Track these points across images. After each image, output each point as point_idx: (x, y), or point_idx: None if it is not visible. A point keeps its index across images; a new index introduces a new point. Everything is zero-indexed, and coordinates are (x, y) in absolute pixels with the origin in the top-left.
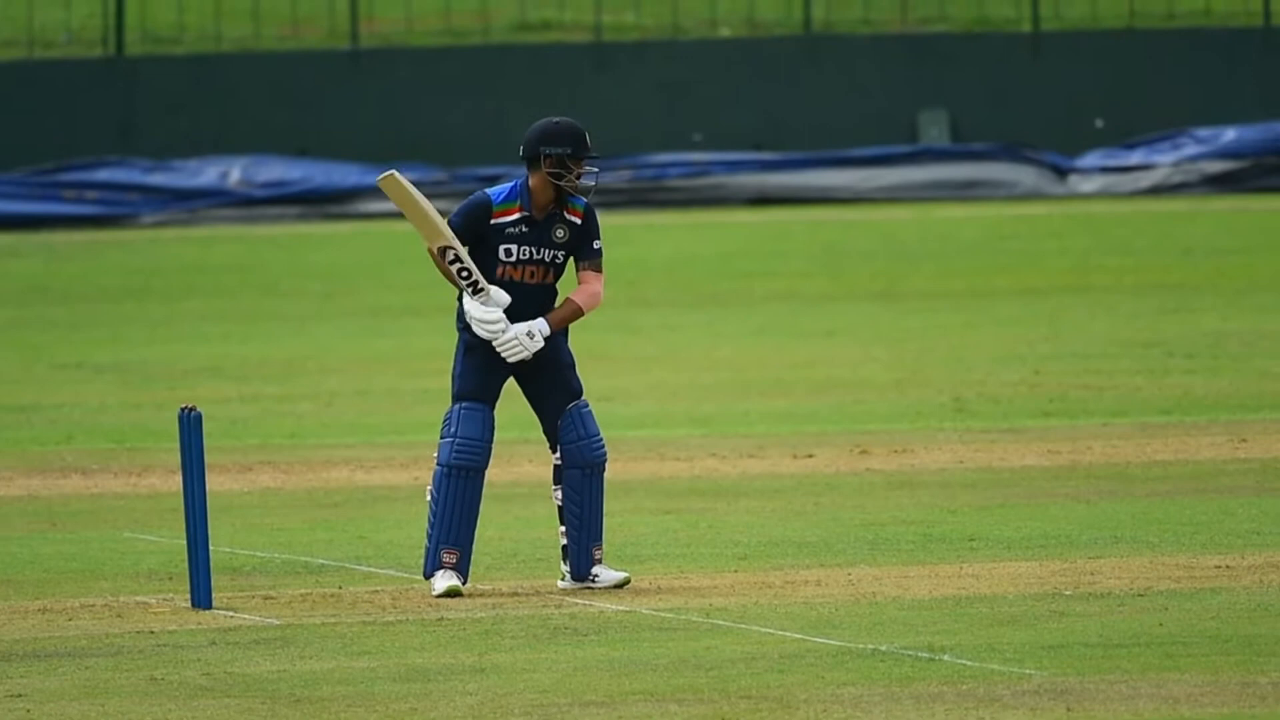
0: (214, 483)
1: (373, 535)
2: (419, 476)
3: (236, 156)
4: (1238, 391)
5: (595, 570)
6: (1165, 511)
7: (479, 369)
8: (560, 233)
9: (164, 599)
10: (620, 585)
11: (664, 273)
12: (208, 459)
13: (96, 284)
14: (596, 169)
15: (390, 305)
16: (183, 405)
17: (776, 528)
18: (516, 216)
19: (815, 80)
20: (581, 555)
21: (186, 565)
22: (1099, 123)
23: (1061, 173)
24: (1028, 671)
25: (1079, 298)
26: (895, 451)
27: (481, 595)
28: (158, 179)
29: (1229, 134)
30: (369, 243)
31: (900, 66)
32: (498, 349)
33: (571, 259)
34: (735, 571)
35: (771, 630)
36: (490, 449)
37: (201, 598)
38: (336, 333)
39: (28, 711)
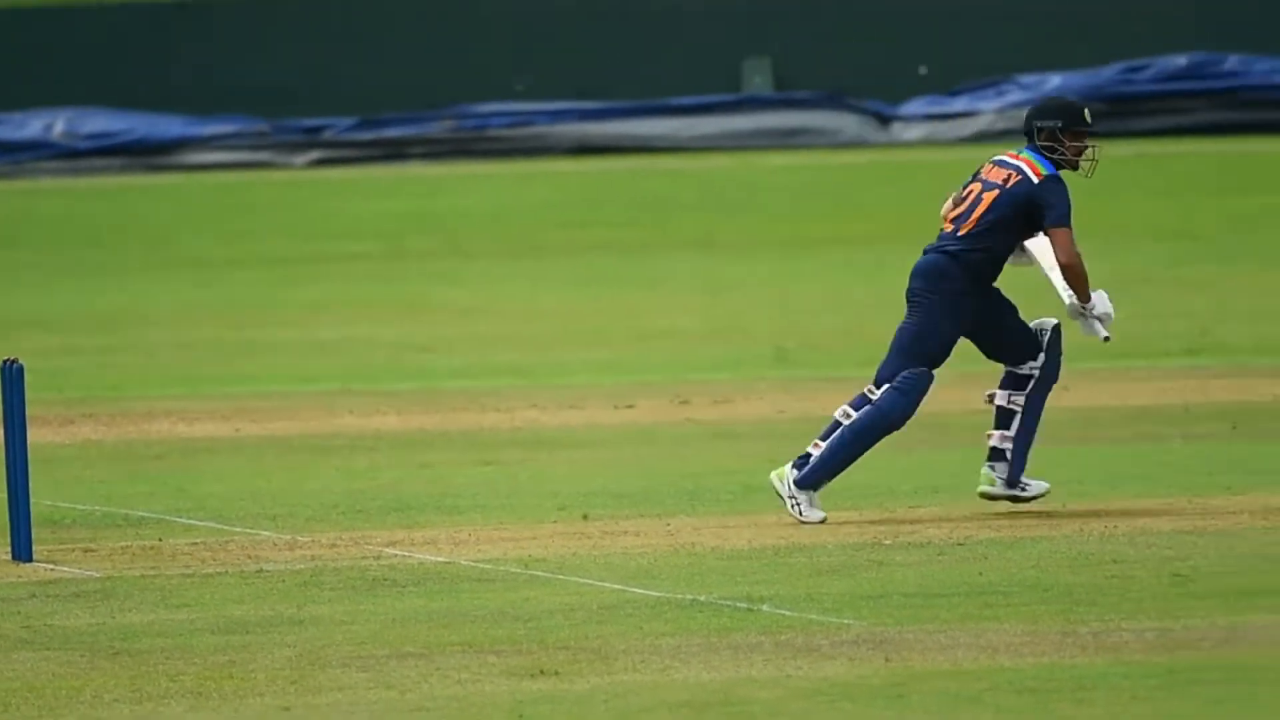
0: (35, 435)
1: (193, 488)
2: (240, 428)
3: (60, 109)
4: None
5: (1026, 480)
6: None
7: (952, 339)
8: None
9: None
10: (1043, 494)
11: (486, 223)
12: (29, 411)
13: None
14: (1095, 144)
15: (214, 257)
16: (4, 358)
17: (596, 478)
18: None
19: (639, 28)
20: (1018, 462)
21: (7, 518)
22: (923, 70)
23: (884, 120)
24: (847, 621)
25: (901, 246)
26: (716, 401)
27: (300, 547)
28: None
29: (1054, 80)
30: (193, 194)
31: (723, 14)
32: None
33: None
34: (554, 522)
35: (590, 581)
36: None
37: (22, 550)
38: (159, 284)
39: None
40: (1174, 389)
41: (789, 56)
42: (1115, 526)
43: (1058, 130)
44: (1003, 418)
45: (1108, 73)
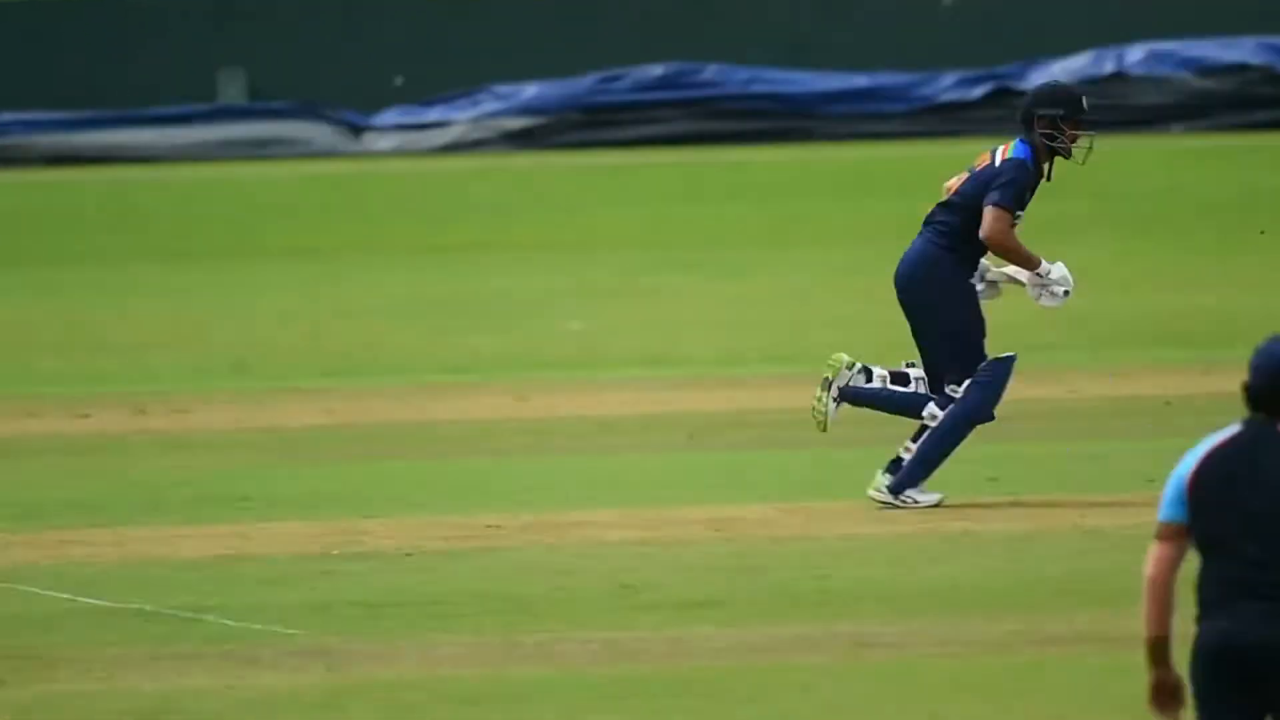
0: None
1: None
2: None
3: None
4: (520, 350)
5: (913, 494)
6: (440, 471)
7: (978, 315)
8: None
9: None
10: (937, 505)
11: None
12: None
13: None
14: (1092, 133)
15: None
16: None
17: (51, 488)
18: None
19: (113, 36)
20: (914, 479)
21: None
22: (399, 80)
23: (357, 130)
24: (291, 632)
25: (367, 256)
26: (174, 411)
27: None
28: None
29: (530, 90)
30: None
31: (197, 23)
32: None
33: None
34: (7, 532)
35: (38, 590)
36: None
37: None
38: None
39: None
40: (634, 400)
41: (264, 66)
42: (564, 537)
43: (1059, 119)
44: (919, 430)
45: (584, 82)
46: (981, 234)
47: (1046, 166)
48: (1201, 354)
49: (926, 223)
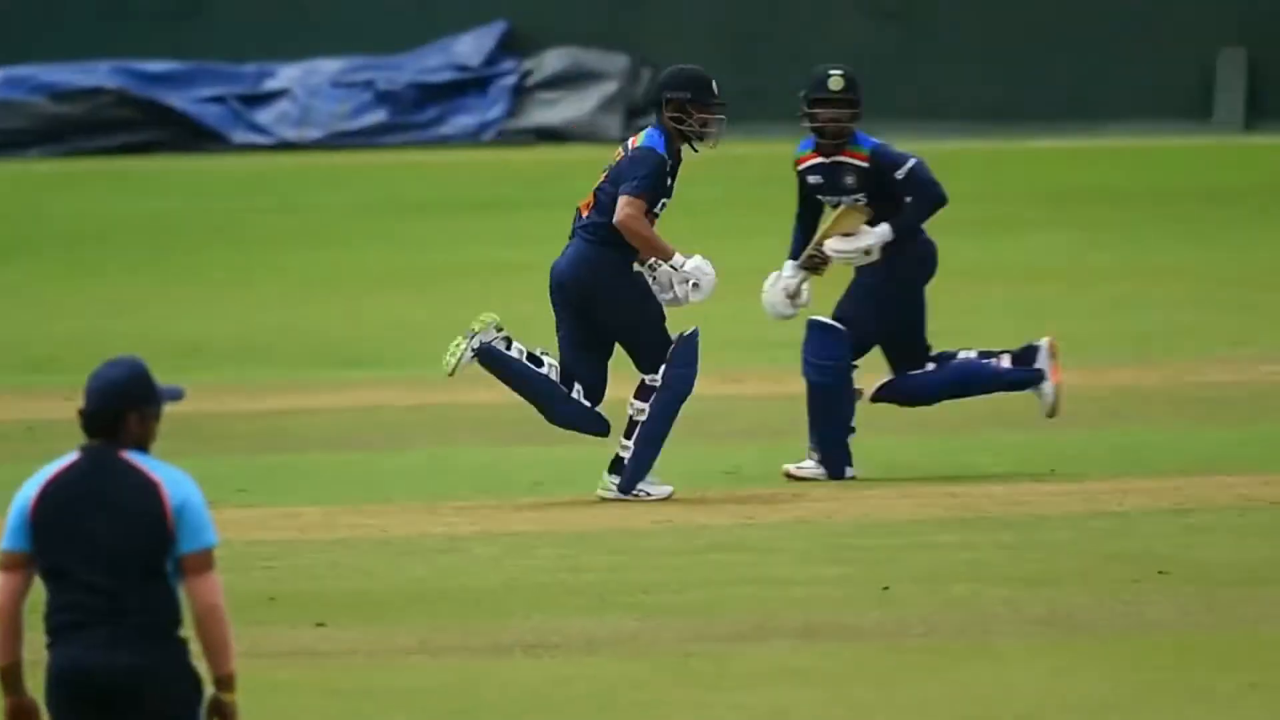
0: None
1: None
2: None
3: None
4: None
5: (644, 487)
6: None
7: (655, 302)
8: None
9: None
10: (668, 497)
11: None
12: None
13: None
14: (722, 116)
15: None
16: None
17: None
18: (673, 164)
19: None
20: (640, 472)
21: None
22: None
23: None
24: None
25: None
26: None
27: None
28: None
29: None
30: None
31: None
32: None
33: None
34: None
35: None
36: None
37: None
38: None
39: None
40: None
41: None
42: None
43: (686, 102)
44: (630, 427)
45: None
46: (615, 220)
47: (679, 149)
48: (66, 379)
49: (580, 227)
